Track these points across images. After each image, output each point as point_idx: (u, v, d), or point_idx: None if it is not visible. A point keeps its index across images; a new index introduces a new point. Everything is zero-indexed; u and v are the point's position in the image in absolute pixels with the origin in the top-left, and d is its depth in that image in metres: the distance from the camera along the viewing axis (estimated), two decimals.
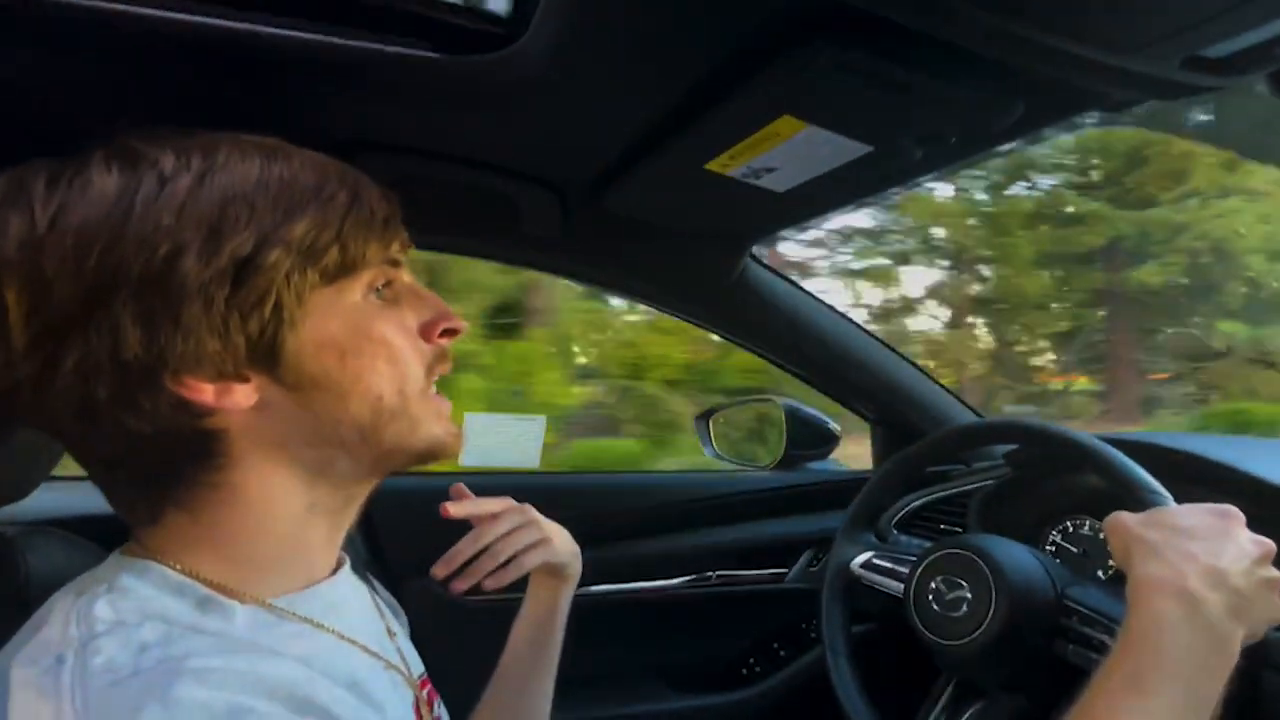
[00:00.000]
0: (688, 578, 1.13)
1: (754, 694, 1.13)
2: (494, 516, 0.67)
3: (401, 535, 1.01)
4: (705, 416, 1.45)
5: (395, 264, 0.45)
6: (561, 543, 0.69)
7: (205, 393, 0.38)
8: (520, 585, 0.69)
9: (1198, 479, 0.77)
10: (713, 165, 0.64)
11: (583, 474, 1.19)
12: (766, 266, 1.04)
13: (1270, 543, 0.54)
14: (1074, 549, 0.99)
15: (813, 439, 1.30)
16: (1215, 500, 0.56)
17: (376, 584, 0.64)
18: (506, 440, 1.10)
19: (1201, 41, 0.42)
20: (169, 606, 0.38)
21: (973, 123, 0.54)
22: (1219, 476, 0.77)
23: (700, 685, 1.13)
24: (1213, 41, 0.42)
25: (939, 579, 0.77)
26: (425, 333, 0.46)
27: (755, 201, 0.73)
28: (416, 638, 1.00)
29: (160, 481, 0.41)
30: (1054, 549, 1.01)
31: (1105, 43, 0.43)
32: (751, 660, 1.17)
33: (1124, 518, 0.57)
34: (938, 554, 0.79)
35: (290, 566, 0.44)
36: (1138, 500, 0.65)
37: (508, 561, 0.65)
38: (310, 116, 0.61)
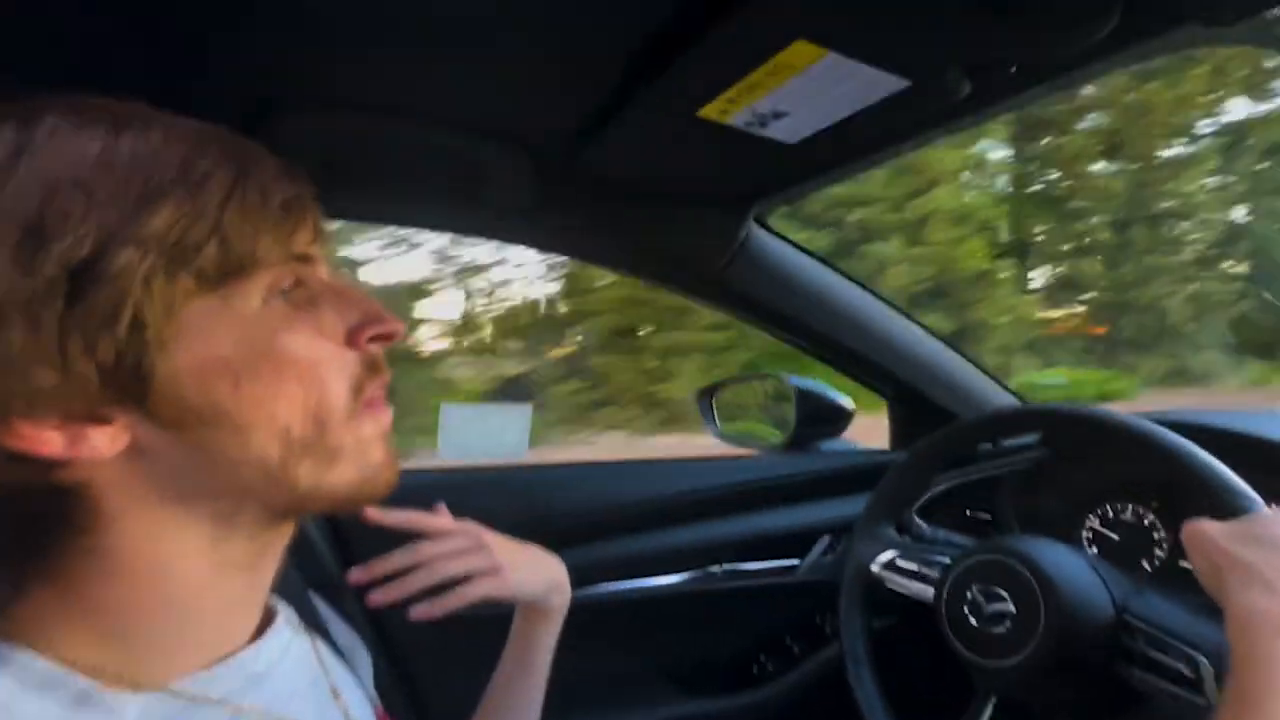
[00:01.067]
0: (692, 573, 1.03)
1: (767, 695, 1.05)
2: (439, 532, 0.60)
3: (379, 546, 0.91)
4: (708, 393, 1.36)
5: (306, 259, 0.37)
6: (530, 576, 0.62)
7: (49, 442, 0.31)
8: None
9: (1268, 468, 0.66)
10: (707, 111, 0.52)
11: (576, 465, 1.08)
12: (773, 231, 0.92)
13: None
14: (1115, 537, 0.90)
15: (825, 416, 1.20)
16: None
17: (334, 620, 0.56)
18: (488, 431, 1.00)
19: None
20: (32, 709, 0.31)
21: (1045, 42, 0.42)
22: None
23: (710, 687, 1.05)
24: None
25: (976, 588, 0.68)
26: (351, 340, 0.37)
27: (760, 156, 0.61)
28: (396, 654, 0.93)
29: (16, 553, 0.33)
30: (1091, 536, 0.92)
31: None
32: (763, 658, 1.09)
33: (1209, 531, 0.50)
34: (973, 560, 0.69)
35: (197, 639, 0.36)
36: (1220, 505, 0.56)
37: (449, 587, 0.58)
38: (213, 67, 0.49)
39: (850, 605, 0.83)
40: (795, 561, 1.08)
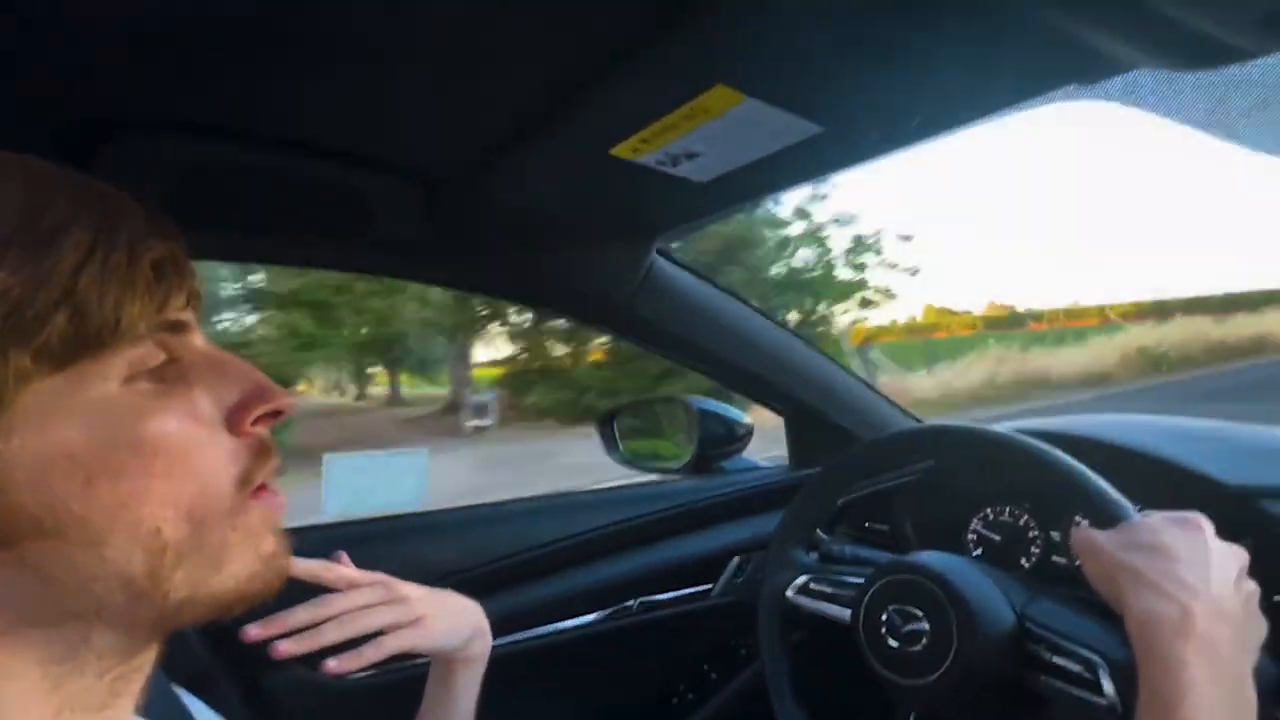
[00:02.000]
0: (606, 611, 1.00)
1: None
2: (349, 584, 0.56)
3: (252, 613, 0.80)
4: (609, 418, 1.33)
5: (177, 328, 0.31)
6: (451, 624, 0.59)
7: None
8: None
9: (1137, 476, 0.74)
10: (619, 150, 0.50)
11: (477, 507, 1.02)
12: (675, 261, 0.92)
13: (1243, 551, 0.53)
14: (995, 538, 0.97)
15: (726, 435, 1.21)
16: (1167, 503, 0.55)
17: (207, 717, 0.48)
18: (381, 481, 0.91)
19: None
20: None
21: (943, 98, 0.44)
22: (1161, 474, 0.75)
23: None
24: None
25: (891, 609, 0.69)
26: (233, 423, 0.32)
27: (670, 193, 0.59)
28: None
29: None
30: (975, 538, 0.98)
31: None
32: (683, 688, 1.07)
33: (1096, 539, 0.54)
34: (886, 580, 0.71)
35: None
36: (1099, 513, 0.60)
37: (364, 641, 0.54)
38: (53, 77, 0.41)
39: (768, 631, 0.83)
40: (709, 587, 1.08)
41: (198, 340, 0.32)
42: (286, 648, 0.51)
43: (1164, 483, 0.71)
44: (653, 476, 1.26)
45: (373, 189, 0.61)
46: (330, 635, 0.53)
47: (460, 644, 0.59)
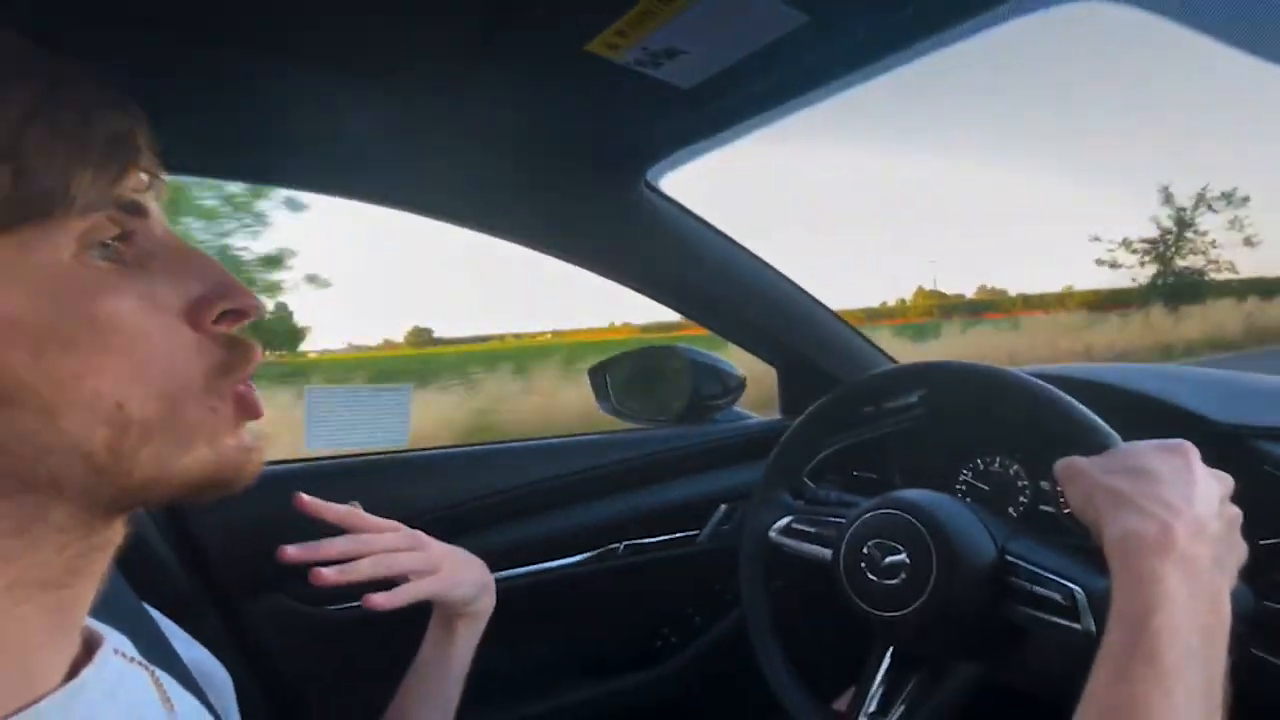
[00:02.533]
0: (592, 552, 1.00)
1: (670, 669, 1.04)
2: (377, 529, 0.58)
3: (235, 541, 0.80)
4: (600, 369, 1.32)
5: (135, 210, 0.30)
6: (464, 575, 0.62)
7: None
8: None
9: (1128, 414, 0.72)
10: (595, 45, 0.48)
11: (464, 447, 1.01)
12: (660, 193, 0.89)
13: (1228, 477, 0.52)
14: (984, 487, 0.96)
15: (718, 387, 1.20)
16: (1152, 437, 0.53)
17: (183, 640, 0.47)
18: (364, 417, 0.90)
19: None
20: None
21: None
22: (1150, 411, 0.73)
23: (614, 666, 1.02)
24: None
25: (871, 544, 0.69)
26: (193, 316, 0.31)
27: (655, 104, 0.57)
28: (271, 666, 0.83)
29: None
30: (964, 488, 0.98)
31: None
32: (666, 631, 1.08)
33: (1079, 464, 0.53)
34: (867, 515, 0.70)
35: None
36: (1084, 443, 0.59)
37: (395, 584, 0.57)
38: None
39: (750, 572, 0.83)
40: (695, 532, 1.07)
41: (158, 227, 0.31)
42: (329, 575, 0.52)
43: (1156, 420, 0.70)
44: (644, 426, 1.25)
45: (342, 99, 0.58)
46: (366, 570, 0.55)
47: (471, 597, 0.62)
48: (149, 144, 0.31)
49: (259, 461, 0.33)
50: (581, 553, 0.99)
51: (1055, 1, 0.46)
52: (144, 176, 0.30)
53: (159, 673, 0.39)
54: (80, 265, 0.28)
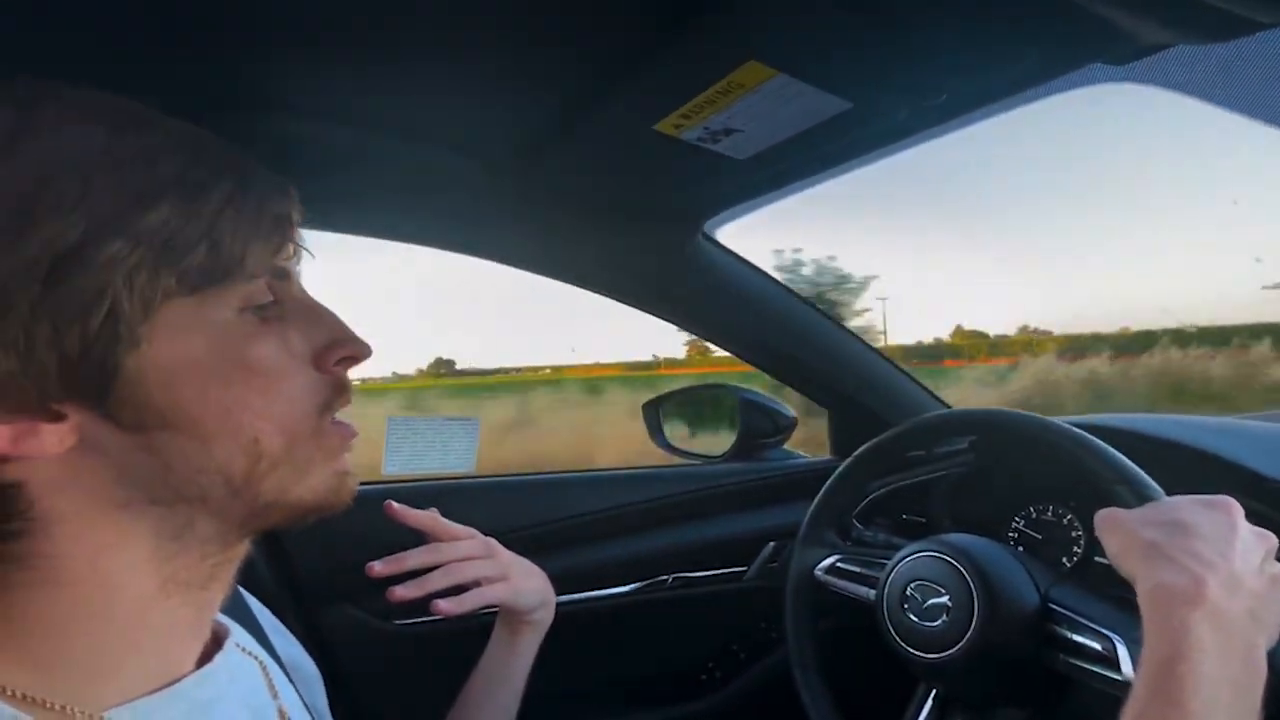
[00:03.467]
0: (642, 583, 1.04)
1: (714, 702, 1.06)
2: (454, 536, 0.62)
3: (317, 554, 0.88)
4: (655, 404, 1.37)
5: (282, 274, 0.36)
6: (529, 585, 0.65)
7: None
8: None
9: (1177, 468, 0.73)
10: (663, 126, 0.54)
11: (522, 475, 1.07)
12: (717, 244, 0.95)
13: (1272, 536, 0.52)
14: (1038, 536, 0.96)
15: (768, 426, 1.23)
16: (1205, 493, 0.53)
17: (280, 634, 0.54)
18: (436, 444, 0.98)
19: None
20: None
21: (970, 75, 0.46)
22: (1201, 466, 0.73)
23: (659, 696, 1.05)
24: None
25: (914, 585, 0.71)
26: (319, 361, 0.37)
27: (713, 170, 0.63)
28: (340, 672, 0.89)
29: None
30: (1016, 536, 0.97)
31: None
32: (711, 665, 1.10)
33: (1119, 515, 0.55)
34: (911, 557, 0.73)
35: (139, 664, 0.34)
36: (1126, 494, 0.60)
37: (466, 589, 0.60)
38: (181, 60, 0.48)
39: (795, 609, 0.85)
40: (743, 569, 1.10)
41: (296, 288, 0.38)
42: (402, 593, 0.57)
43: (1202, 474, 0.70)
44: (695, 461, 1.29)
45: (437, 164, 0.67)
46: (438, 582, 0.59)
47: (535, 606, 0.65)
48: (297, 221, 0.37)
49: (355, 485, 0.39)
50: (630, 583, 1.03)
51: (1078, 85, 0.50)
52: (291, 247, 0.37)
53: (267, 663, 0.46)
54: (239, 320, 0.34)
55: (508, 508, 1.00)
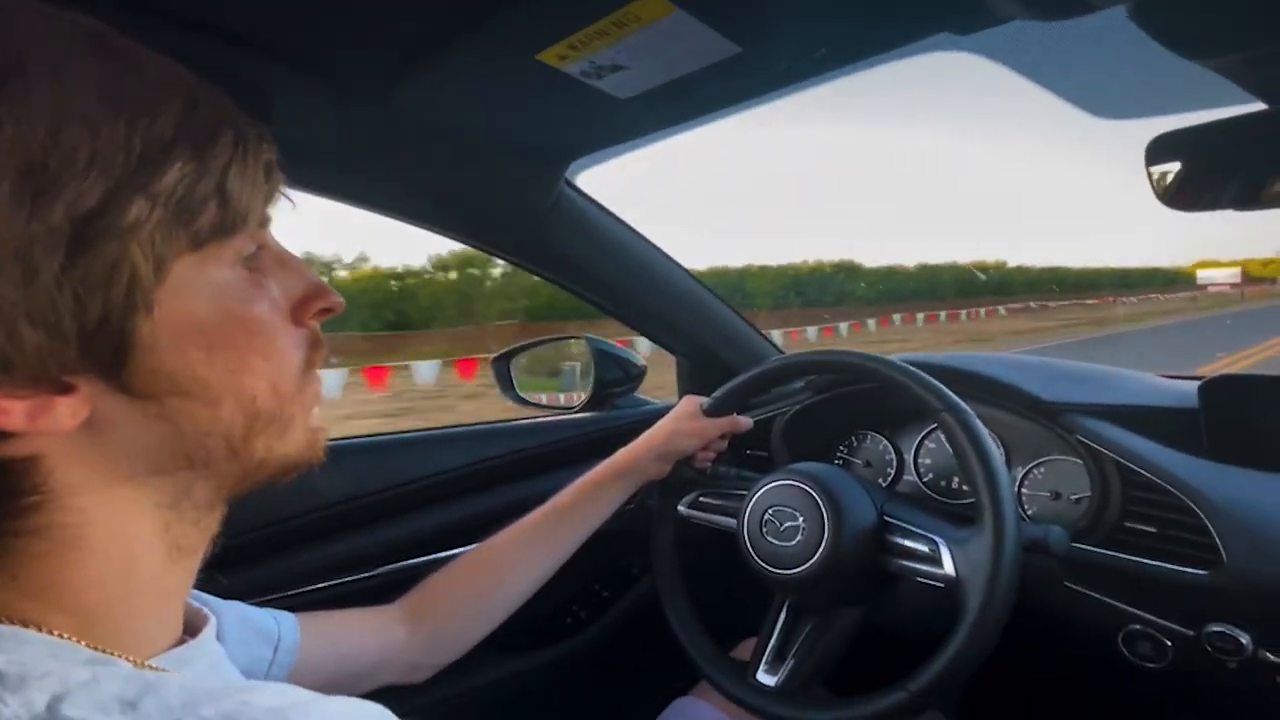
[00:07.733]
0: None
1: (581, 642, 1.10)
2: None
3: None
4: (505, 358, 1.34)
5: (267, 224, 0.36)
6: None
7: (11, 413, 0.27)
8: None
9: (979, 393, 0.86)
10: (547, 55, 0.51)
11: (368, 438, 1.00)
12: (578, 190, 0.93)
13: None
14: (858, 460, 1.09)
15: (620, 374, 1.26)
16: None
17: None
18: None
19: None
20: (81, 675, 0.27)
21: (846, 32, 0.49)
22: (993, 389, 0.88)
23: (527, 643, 1.06)
24: None
25: (771, 510, 0.78)
26: (296, 314, 0.36)
27: (588, 109, 0.61)
28: None
29: None
30: (841, 462, 1.11)
31: None
32: (575, 607, 1.13)
33: None
34: (768, 486, 0.79)
35: (159, 627, 0.35)
36: (934, 409, 0.71)
37: None
38: None
39: (662, 543, 0.90)
40: None
41: (270, 237, 0.36)
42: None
43: (996, 396, 0.85)
44: (547, 413, 1.29)
45: (278, 85, 0.57)
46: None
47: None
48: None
49: (325, 440, 0.38)
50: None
51: (929, 49, 0.55)
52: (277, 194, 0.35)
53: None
54: (236, 276, 0.32)
55: (355, 472, 0.93)
